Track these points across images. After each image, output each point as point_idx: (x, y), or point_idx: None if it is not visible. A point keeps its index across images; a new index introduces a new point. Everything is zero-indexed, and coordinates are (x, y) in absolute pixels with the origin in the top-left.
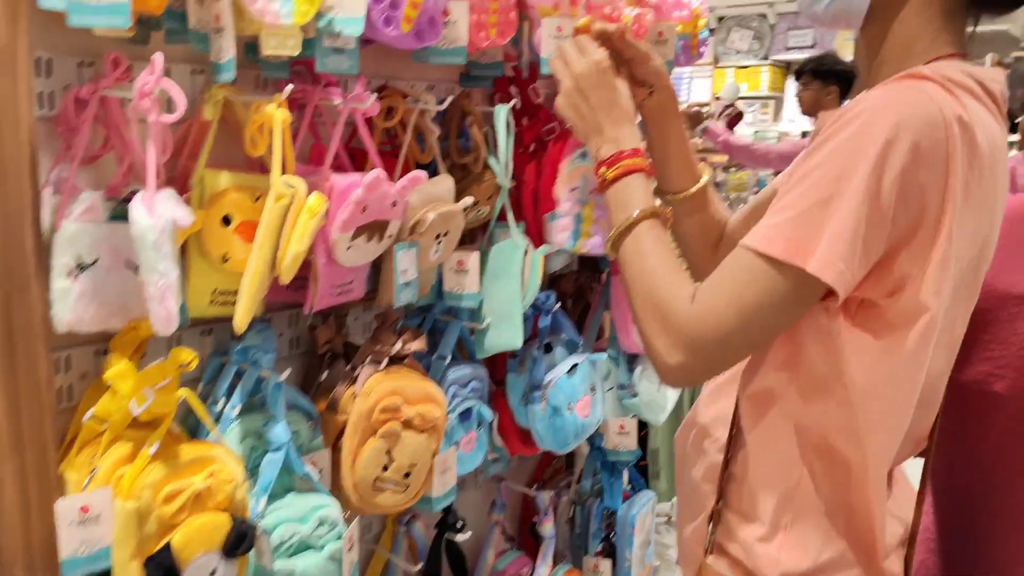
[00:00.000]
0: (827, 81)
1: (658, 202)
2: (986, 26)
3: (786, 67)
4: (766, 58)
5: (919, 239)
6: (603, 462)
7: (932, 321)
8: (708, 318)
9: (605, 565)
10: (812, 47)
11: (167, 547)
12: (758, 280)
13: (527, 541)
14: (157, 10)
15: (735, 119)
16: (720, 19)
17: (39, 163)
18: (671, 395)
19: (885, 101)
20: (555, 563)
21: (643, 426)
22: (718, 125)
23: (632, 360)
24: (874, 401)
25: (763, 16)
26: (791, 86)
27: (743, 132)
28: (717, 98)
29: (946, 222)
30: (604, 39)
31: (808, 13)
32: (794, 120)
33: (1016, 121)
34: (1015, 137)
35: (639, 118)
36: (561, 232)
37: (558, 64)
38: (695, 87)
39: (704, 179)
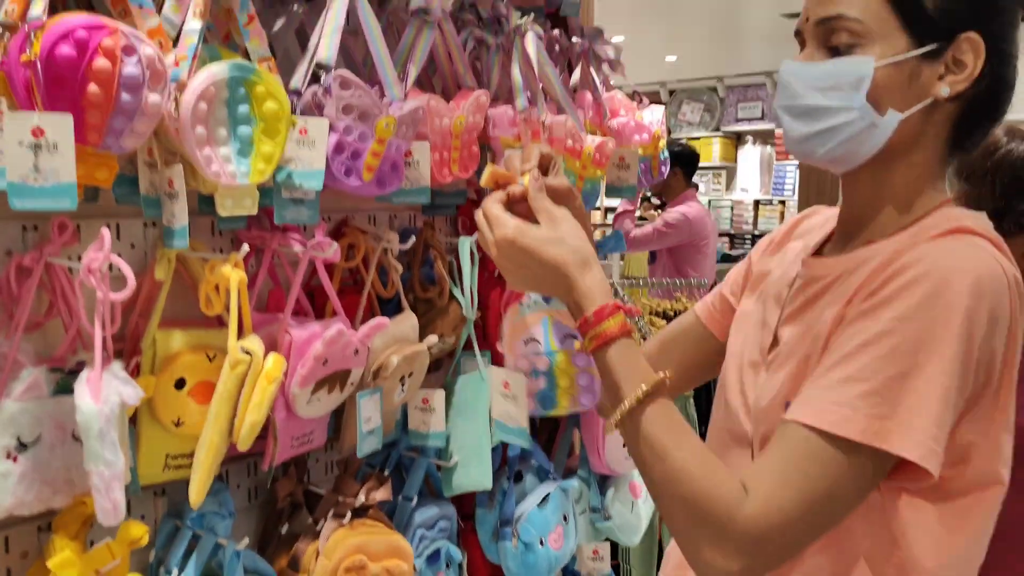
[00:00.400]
0: (672, 164)
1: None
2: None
3: (736, 138)
4: (717, 129)
5: (981, 405)
6: None
7: (1002, 493)
8: (773, 516)
9: None
10: (762, 118)
11: None
12: (829, 465)
13: None
14: (106, 183)
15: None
16: (671, 92)
17: None
18: (644, 516)
19: (952, 261)
20: None
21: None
22: (627, 223)
23: (604, 481)
24: None
25: (713, 89)
26: (743, 155)
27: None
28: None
29: (1007, 386)
30: (510, 202)
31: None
32: (747, 189)
33: None
34: None
35: None
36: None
37: (479, 238)
38: None
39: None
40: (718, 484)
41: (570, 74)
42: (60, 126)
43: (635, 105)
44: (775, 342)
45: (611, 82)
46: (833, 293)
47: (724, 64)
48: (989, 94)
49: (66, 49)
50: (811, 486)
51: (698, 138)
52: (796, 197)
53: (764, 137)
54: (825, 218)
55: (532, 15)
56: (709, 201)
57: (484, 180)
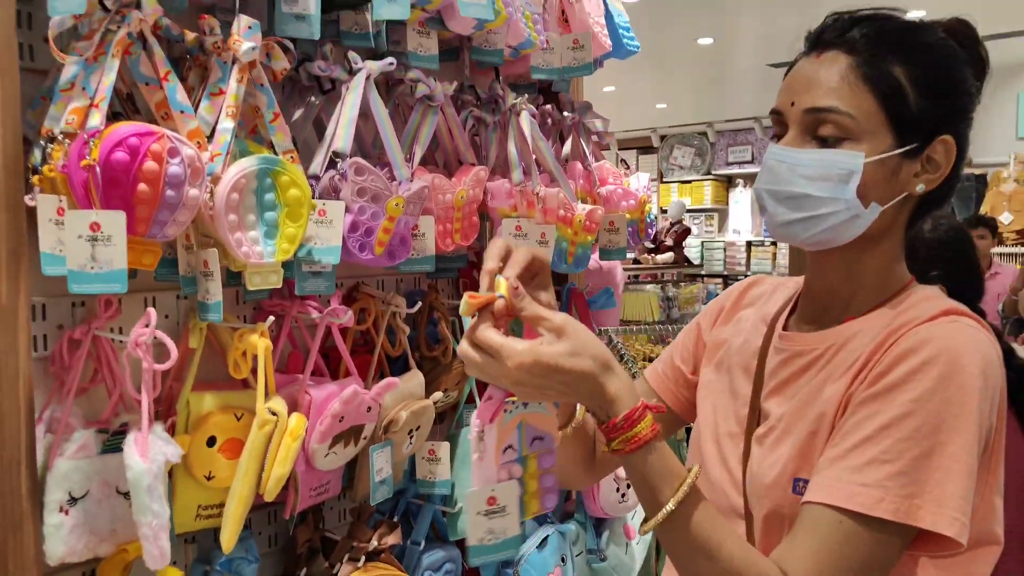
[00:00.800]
0: None
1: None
2: None
3: (727, 181)
4: (708, 173)
5: (979, 471)
6: None
7: (998, 550)
8: None
9: None
10: (751, 161)
11: None
12: (863, 546)
13: None
14: (151, 267)
15: (683, 234)
16: (663, 138)
17: (34, 408)
18: (639, 556)
19: (958, 344)
20: None
21: None
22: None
23: (599, 524)
24: None
25: (703, 134)
26: (734, 198)
27: (691, 244)
28: (663, 211)
29: (998, 451)
30: (501, 317)
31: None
32: (739, 231)
33: None
34: None
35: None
36: None
37: (478, 371)
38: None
39: (579, 414)
40: (761, 571)
41: (562, 144)
42: (114, 221)
43: (622, 173)
44: (761, 415)
45: (607, 126)
46: (823, 368)
47: (713, 110)
48: (947, 188)
49: (121, 154)
50: (846, 566)
51: (690, 181)
52: None
53: (754, 180)
54: (773, 287)
55: (526, 95)
56: (703, 243)
57: (464, 311)
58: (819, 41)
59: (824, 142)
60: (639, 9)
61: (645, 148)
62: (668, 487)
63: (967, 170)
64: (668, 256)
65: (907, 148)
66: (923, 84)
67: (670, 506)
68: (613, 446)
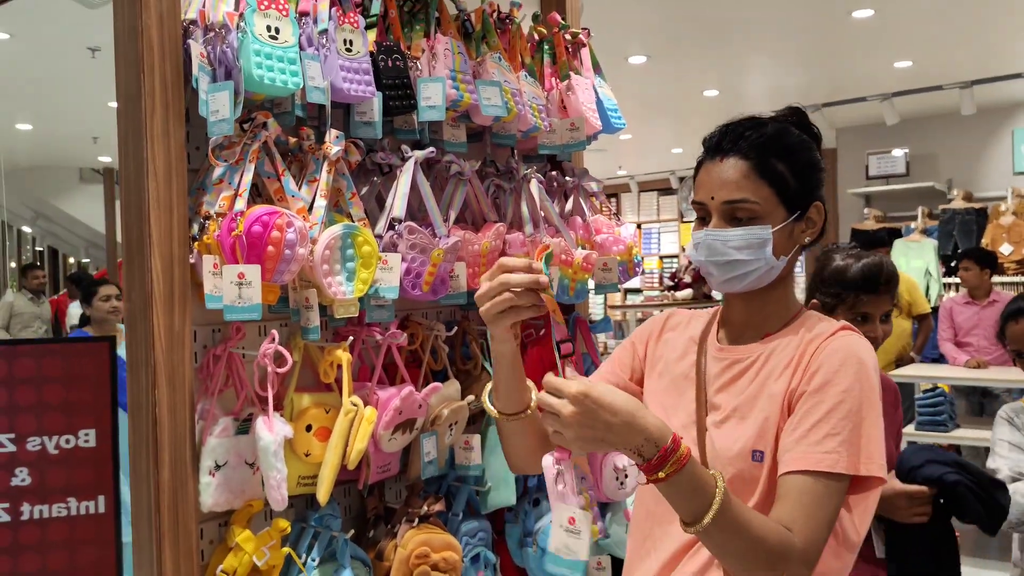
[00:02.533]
0: None
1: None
2: (912, 183)
3: None
4: None
5: None
6: None
7: (881, 486)
8: (813, 541)
9: None
10: None
11: None
12: (833, 494)
13: None
14: (273, 302)
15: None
16: (681, 179)
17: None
18: None
19: (858, 350)
20: None
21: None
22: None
23: (603, 508)
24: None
25: None
26: None
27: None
28: (683, 249)
29: None
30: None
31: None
32: None
33: (953, 264)
34: (954, 279)
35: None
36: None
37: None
38: (664, 240)
39: (534, 400)
40: (779, 535)
41: (565, 201)
42: (253, 272)
43: (614, 224)
44: (710, 407)
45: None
46: (761, 370)
47: None
48: (821, 234)
49: (257, 228)
50: (825, 512)
51: None
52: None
53: None
54: (688, 317)
55: (534, 166)
56: None
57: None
58: (719, 149)
59: (740, 222)
60: (651, 66)
61: (665, 190)
62: (711, 489)
63: (967, 205)
64: (687, 293)
65: (795, 216)
66: (796, 171)
67: (717, 503)
68: (664, 471)
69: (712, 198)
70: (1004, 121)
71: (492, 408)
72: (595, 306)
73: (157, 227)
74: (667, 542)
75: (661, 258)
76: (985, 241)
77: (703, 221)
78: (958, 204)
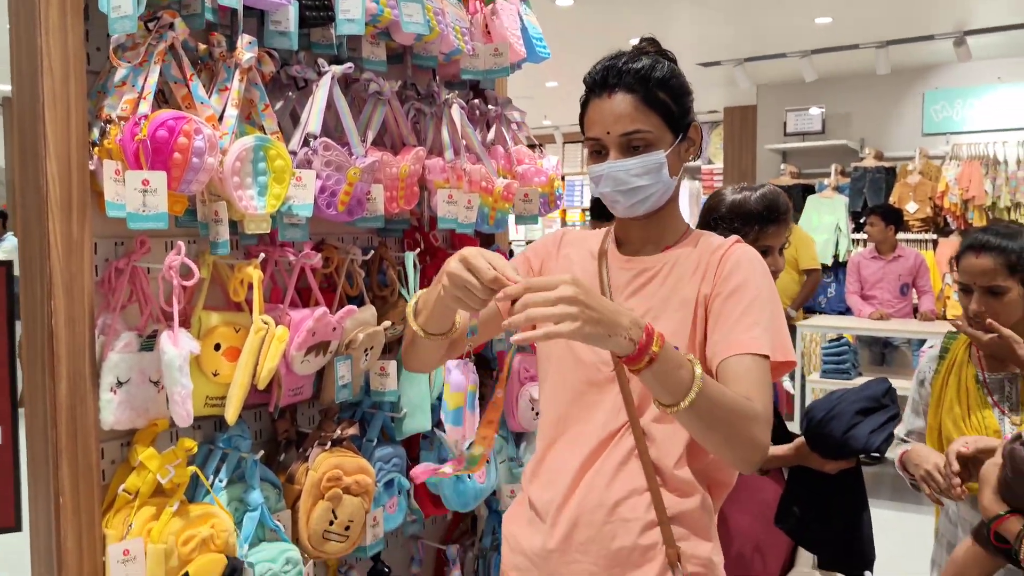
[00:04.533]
0: None
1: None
2: (827, 141)
3: None
4: None
5: None
6: (500, 522)
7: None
8: (768, 405)
9: None
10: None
11: (186, 575)
12: (766, 372)
13: None
14: (180, 212)
15: None
16: None
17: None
18: None
19: (752, 255)
20: None
21: None
22: None
23: (519, 437)
24: None
25: None
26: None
27: None
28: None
29: None
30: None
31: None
32: None
33: (861, 220)
34: (861, 235)
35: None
36: None
37: (543, 311)
38: (587, 193)
39: (459, 320)
40: (744, 400)
41: (487, 131)
42: (158, 179)
43: (536, 155)
44: None
45: (524, 118)
46: (668, 277)
47: None
48: (699, 153)
49: (162, 132)
50: (768, 386)
51: None
52: None
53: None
54: (583, 236)
55: (456, 91)
56: None
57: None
58: (605, 85)
59: (637, 151)
60: (576, 11)
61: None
62: (687, 364)
63: (878, 163)
64: None
65: (680, 138)
66: (675, 97)
67: (697, 377)
68: (655, 347)
69: (608, 133)
70: (916, 83)
71: (415, 323)
72: (516, 247)
73: (53, 128)
74: (584, 441)
75: (583, 210)
76: (892, 199)
77: (599, 155)
78: (869, 163)
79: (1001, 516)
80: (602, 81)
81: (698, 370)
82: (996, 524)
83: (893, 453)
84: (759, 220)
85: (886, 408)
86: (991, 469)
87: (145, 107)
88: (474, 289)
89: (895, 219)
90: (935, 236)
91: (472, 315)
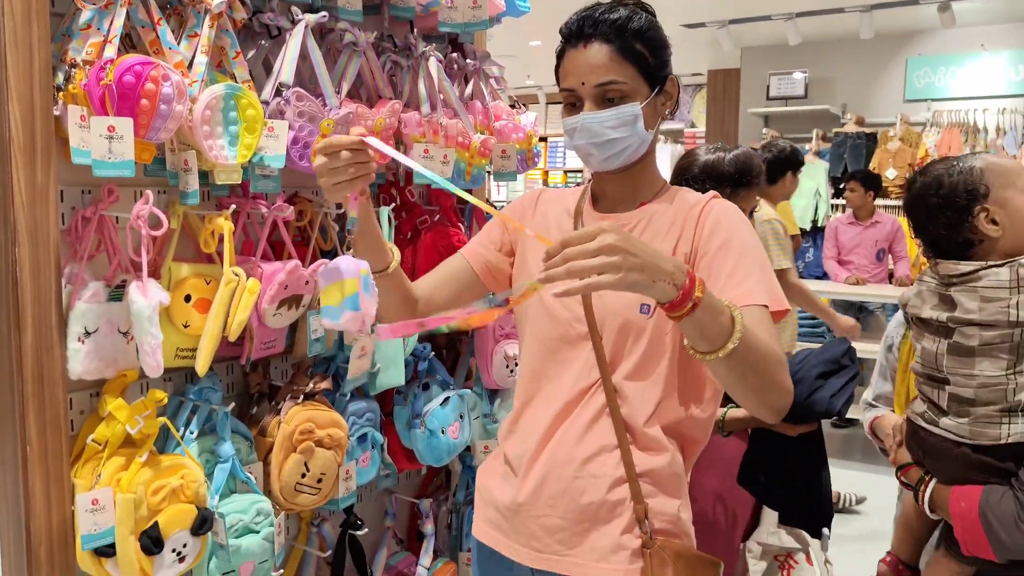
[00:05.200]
0: None
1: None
2: (809, 105)
3: None
4: None
5: None
6: (473, 477)
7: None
8: (783, 351)
9: None
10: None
11: (155, 525)
12: (771, 320)
13: (414, 544)
14: (148, 160)
15: None
16: None
17: (60, 264)
18: None
19: (733, 210)
20: (435, 557)
21: None
22: None
23: (493, 394)
24: None
25: None
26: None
27: None
28: None
29: None
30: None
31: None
32: None
33: (841, 186)
34: (840, 201)
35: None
36: None
37: (586, 263)
38: (569, 154)
39: (397, 257)
40: (776, 347)
41: (465, 85)
42: (124, 125)
43: (515, 111)
44: None
45: (503, 72)
46: (644, 232)
47: None
48: (676, 107)
49: (129, 77)
50: (776, 332)
51: None
52: None
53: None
54: (559, 194)
55: (434, 44)
56: None
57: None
58: (581, 35)
59: (612, 103)
60: None
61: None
62: (726, 309)
63: (859, 129)
64: None
65: (656, 91)
66: (652, 49)
67: (738, 321)
68: (698, 291)
69: (583, 83)
70: (899, 48)
71: None
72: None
73: (15, 70)
74: (557, 397)
75: (566, 172)
76: (872, 165)
77: (573, 107)
78: (850, 128)
79: (904, 466)
80: (578, 31)
81: (738, 316)
82: (902, 473)
83: (863, 417)
84: (731, 182)
85: (846, 368)
86: (901, 427)
87: (111, 51)
88: (336, 159)
89: (874, 185)
90: None
91: (351, 205)
